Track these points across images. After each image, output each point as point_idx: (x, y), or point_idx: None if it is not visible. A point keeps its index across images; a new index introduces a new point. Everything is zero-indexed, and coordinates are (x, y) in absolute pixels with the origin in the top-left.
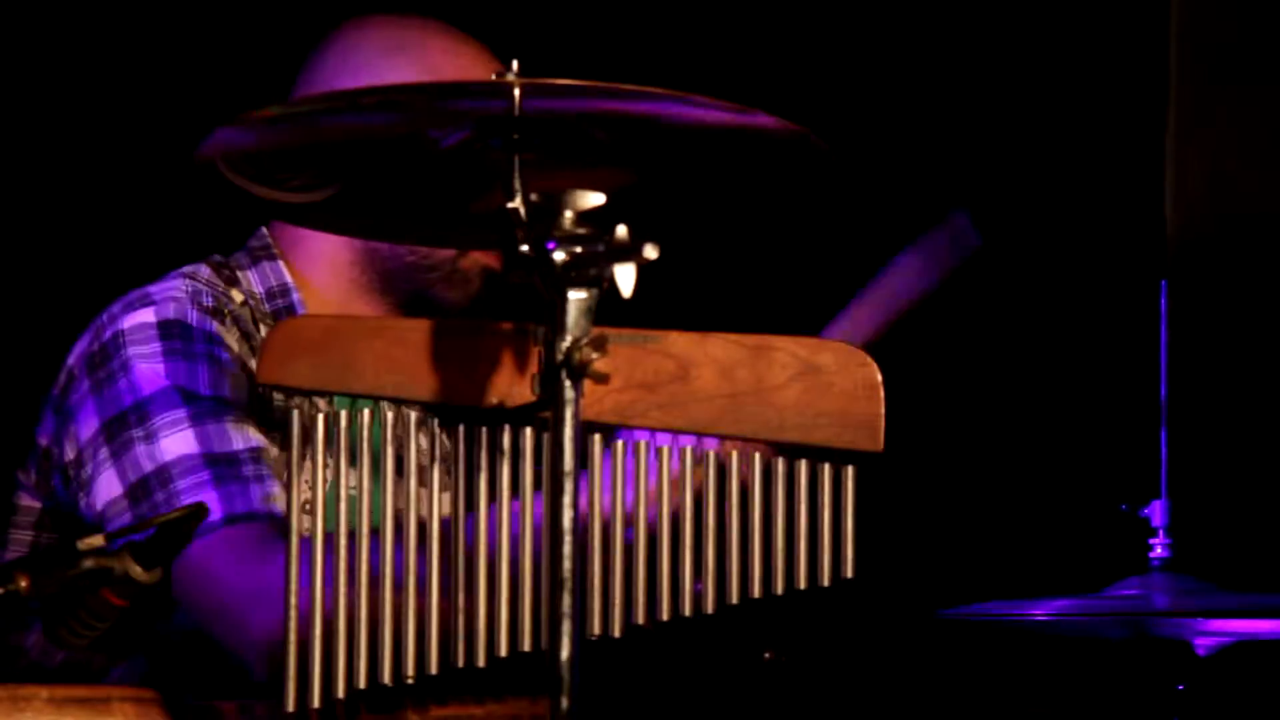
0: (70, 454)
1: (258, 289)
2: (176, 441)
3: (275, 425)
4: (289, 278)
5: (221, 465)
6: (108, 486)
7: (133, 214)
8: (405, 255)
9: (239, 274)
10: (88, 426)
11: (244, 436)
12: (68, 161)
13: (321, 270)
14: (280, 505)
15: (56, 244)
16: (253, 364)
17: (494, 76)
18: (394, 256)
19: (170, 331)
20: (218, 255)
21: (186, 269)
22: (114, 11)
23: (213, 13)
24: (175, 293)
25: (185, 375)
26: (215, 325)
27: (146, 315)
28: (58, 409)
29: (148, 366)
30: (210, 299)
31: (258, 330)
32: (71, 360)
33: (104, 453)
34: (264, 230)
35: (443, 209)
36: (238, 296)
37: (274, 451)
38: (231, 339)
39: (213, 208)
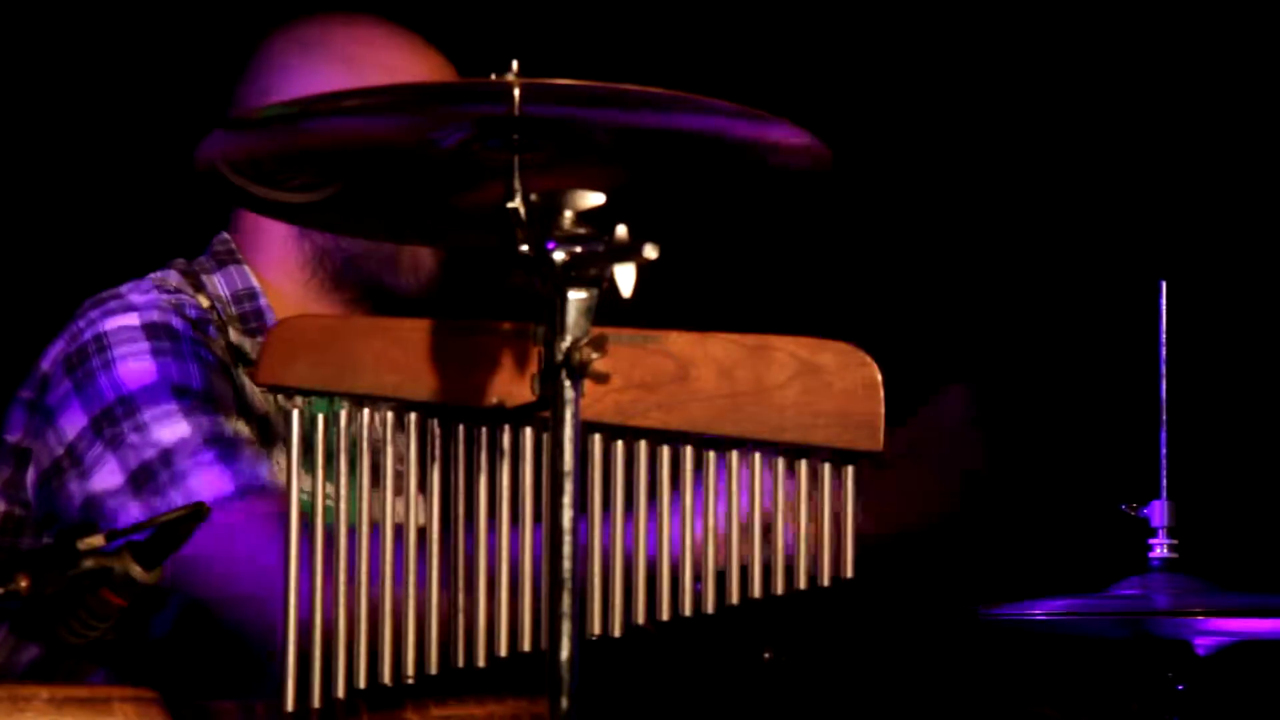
0: (59, 451)
1: (224, 293)
2: (172, 430)
3: (266, 431)
4: (255, 281)
5: (223, 445)
6: (107, 477)
7: (87, 219)
8: (347, 248)
9: (205, 279)
10: (73, 425)
11: (237, 429)
12: (17, 166)
13: (278, 273)
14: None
15: (11, 248)
16: (235, 370)
17: (493, 76)
18: (337, 250)
19: (157, 333)
20: (181, 260)
21: (155, 275)
22: (91, 10)
23: (194, 11)
24: (156, 298)
25: (177, 372)
26: (198, 331)
27: (130, 319)
28: (33, 409)
29: (135, 365)
30: (194, 310)
31: (227, 335)
32: (46, 364)
33: (97, 447)
34: (225, 234)
35: (437, 208)
36: (205, 301)
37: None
38: (216, 347)
39: (162, 211)
